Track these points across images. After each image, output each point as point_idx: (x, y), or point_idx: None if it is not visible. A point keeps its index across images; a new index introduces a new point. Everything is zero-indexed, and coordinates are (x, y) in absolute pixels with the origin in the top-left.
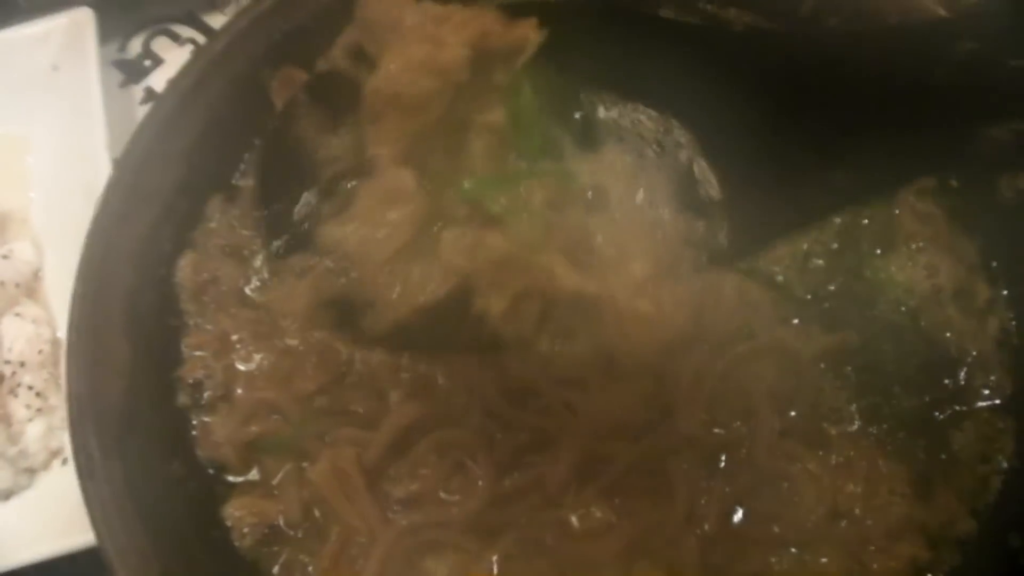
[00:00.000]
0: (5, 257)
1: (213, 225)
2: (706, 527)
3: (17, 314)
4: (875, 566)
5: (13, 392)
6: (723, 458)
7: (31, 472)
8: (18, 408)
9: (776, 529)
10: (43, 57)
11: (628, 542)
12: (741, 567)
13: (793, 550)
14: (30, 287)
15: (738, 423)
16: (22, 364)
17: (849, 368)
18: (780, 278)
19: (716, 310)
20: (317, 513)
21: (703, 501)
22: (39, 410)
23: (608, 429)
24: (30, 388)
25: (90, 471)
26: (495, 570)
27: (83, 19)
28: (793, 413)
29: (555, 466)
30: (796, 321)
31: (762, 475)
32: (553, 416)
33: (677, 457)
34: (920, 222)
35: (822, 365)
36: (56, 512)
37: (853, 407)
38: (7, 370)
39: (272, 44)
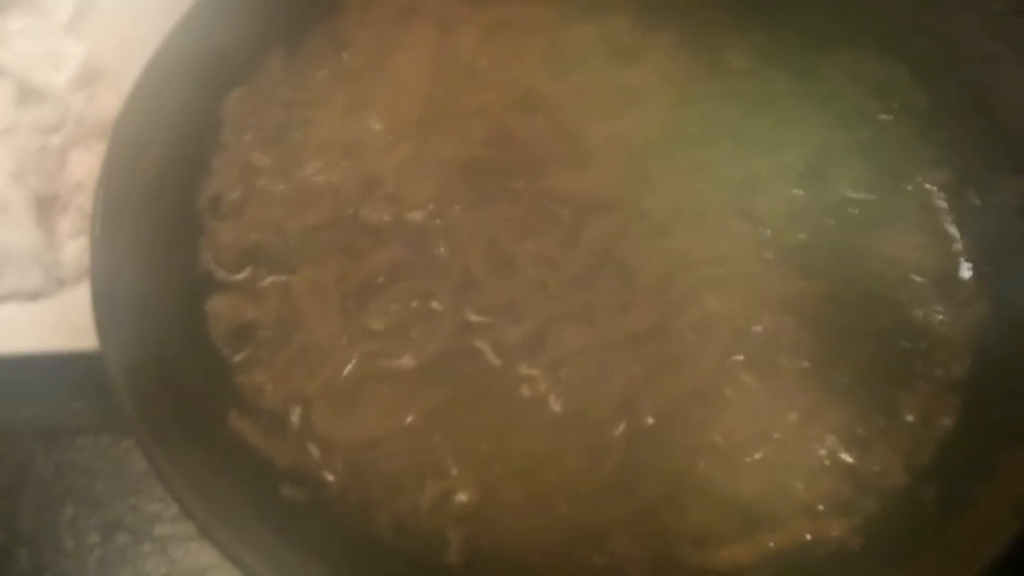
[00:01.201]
0: (91, 99)
1: (272, 72)
2: (637, 421)
3: (87, 148)
4: (793, 492)
5: (64, 210)
6: (669, 363)
7: (61, 283)
8: (64, 223)
9: (705, 438)
10: None
11: (562, 414)
12: (663, 464)
13: (717, 460)
14: (105, 131)
15: (692, 336)
16: (79, 186)
17: (816, 315)
18: (772, 224)
19: (700, 225)
20: (288, 322)
21: (639, 395)
22: (83, 230)
23: (569, 311)
24: (79, 208)
25: (100, 232)
26: (429, 408)
27: None
28: (749, 341)
29: (513, 330)
30: (775, 263)
31: (703, 387)
32: (526, 289)
33: (625, 350)
34: (924, 210)
35: (791, 306)
36: (73, 321)
37: (810, 349)
38: (64, 191)
39: None
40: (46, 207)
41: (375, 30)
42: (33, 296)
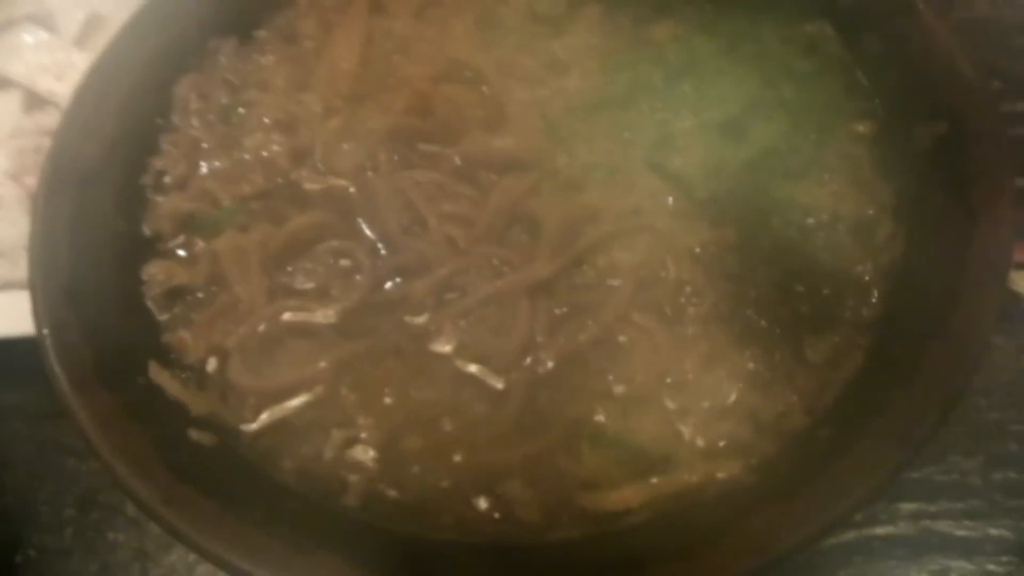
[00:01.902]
0: None
1: (222, 59)
2: (537, 369)
3: None
4: (689, 436)
5: None
6: (572, 312)
7: None
8: None
9: (605, 385)
10: None
11: (463, 364)
12: (562, 411)
13: (616, 406)
14: None
15: (595, 285)
16: None
17: (726, 264)
18: (685, 178)
19: (612, 181)
20: (214, 284)
21: (540, 343)
22: None
23: (477, 264)
24: None
25: (42, 210)
26: (339, 361)
27: None
28: (655, 290)
29: (420, 284)
30: (685, 215)
31: (604, 335)
32: (436, 247)
33: (528, 300)
34: (842, 159)
35: (698, 251)
36: None
37: (717, 296)
38: None
39: None
40: None
41: (318, 18)
42: (23, 285)
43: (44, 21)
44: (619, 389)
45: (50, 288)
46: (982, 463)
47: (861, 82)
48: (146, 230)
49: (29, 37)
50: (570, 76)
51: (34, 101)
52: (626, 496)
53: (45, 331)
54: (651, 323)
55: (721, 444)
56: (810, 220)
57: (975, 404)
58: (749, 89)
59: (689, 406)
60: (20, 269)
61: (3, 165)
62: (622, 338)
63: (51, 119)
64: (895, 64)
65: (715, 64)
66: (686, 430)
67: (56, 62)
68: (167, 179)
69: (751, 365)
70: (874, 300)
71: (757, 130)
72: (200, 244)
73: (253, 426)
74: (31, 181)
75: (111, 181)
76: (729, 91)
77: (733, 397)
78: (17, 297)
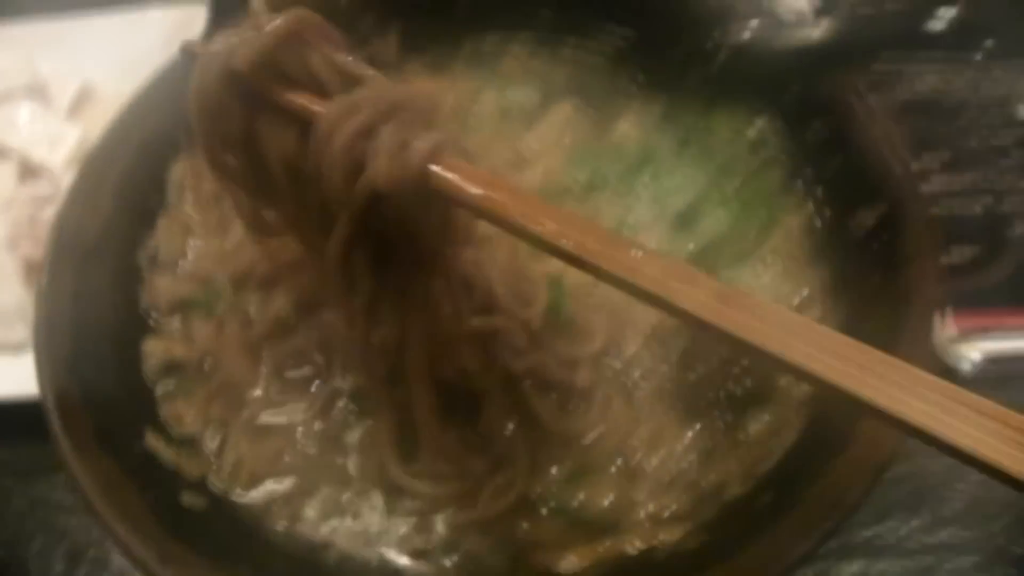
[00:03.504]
0: None
1: None
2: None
3: None
4: (638, 502)
5: None
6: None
7: None
8: None
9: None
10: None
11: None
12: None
13: (572, 474)
14: None
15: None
16: None
17: (674, 341)
18: None
19: None
20: (209, 362)
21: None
22: None
23: None
24: None
25: (47, 283)
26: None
27: (196, 14)
28: (616, 362)
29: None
30: None
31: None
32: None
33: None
34: (785, 243)
35: (655, 332)
36: None
37: (666, 371)
38: None
39: None
40: (34, 270)
41: None
42: (17, 348)
43: (38, 92)
44: (576, 459)
45: (54, 358)
46: (927, 522)
47: (804, 171)
48: (143, 305)
49: (25, 108)
50: (537, 166)
51: (28, 171)
52: (577, 558)
53: (49, 399)
54: (611, 393)
55: (666, 512)
56: None
57: (918, 464)
58: (701, 182)
59: (638, 476)
60: (14, 333)
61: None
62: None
63: (44, 189)
64: (836, 155)
65: (670, 158)
66: (635, 498)
67: (49, 133)
68: (161, 257)
69: (696, 438)
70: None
71: (707, 220)
72: (195, 322)
73: (244, 494)
74: (26, 249)
75: (109, 258)
76: (683, 184)
77: (679, 468)
78: (12, 359)
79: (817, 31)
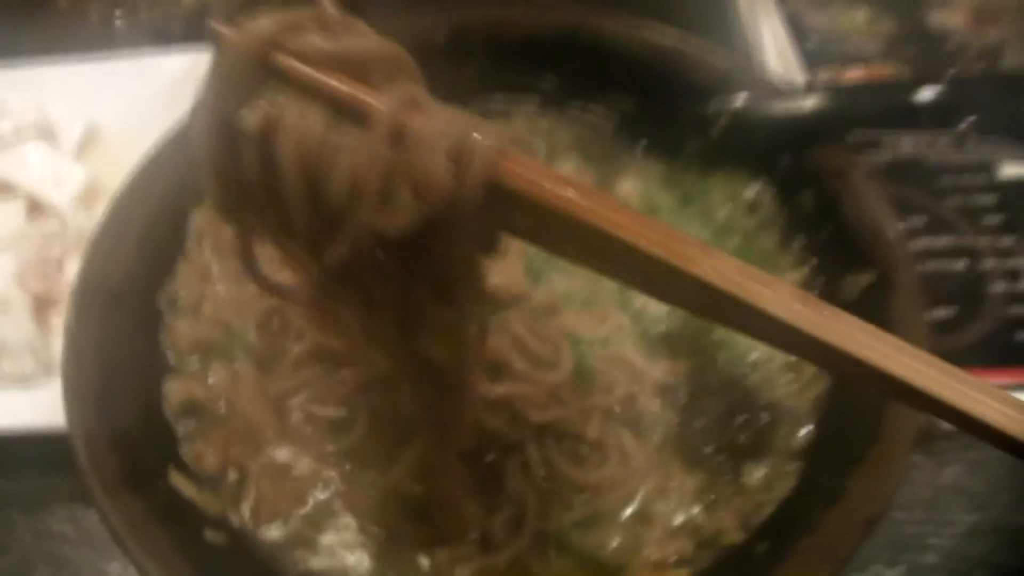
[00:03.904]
0: (89, 215)
1: None
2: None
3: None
4: (644, 549)
5: (58, 308)
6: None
7: (50, 370)
8: (57, 320)
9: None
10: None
11: None
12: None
13: (581, 519)
14: None
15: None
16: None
17: (677, 393)
18: (645, 316)
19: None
20: (227, 404)
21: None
22: None
23: None
24: None
25: (74, 325)
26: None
27: (201, 61)
28: (622, 414)
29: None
30: (646, 349)
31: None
32: None
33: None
34: None
35: (658, 385)
36: (58, 404)
37: (672, 423)
38: (59, 292)
39: None
40: (43, 306)
41: None
42: (25, 381)
43: (46, 132)
44: (587, 505)
45: (81, 399)
46: (903, 572)
47: (797, 236)
48: (164, 348)
49: (34, 149)
50: None
51: (36, 209)
52: None
53: (78, 437)
54: (625, 439)
55: (670, 558)
56: (748, 358)
57: (895, 518)
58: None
59: (644, 523)
60: (22, 365)
61: (10, 269)
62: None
63: (52, 227)
64: (827, 221)
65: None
66: (641, 543)
67: (56, 173)
68: (181, 302)
69: (699, 486)
70: (804, 430)
71: None
72: (215, 364)
73: (264, 532)
74: (34, 285)
75: (132, 303)
76: None
77: (681, 516)
78: (18, 393)
79: (808, 103)
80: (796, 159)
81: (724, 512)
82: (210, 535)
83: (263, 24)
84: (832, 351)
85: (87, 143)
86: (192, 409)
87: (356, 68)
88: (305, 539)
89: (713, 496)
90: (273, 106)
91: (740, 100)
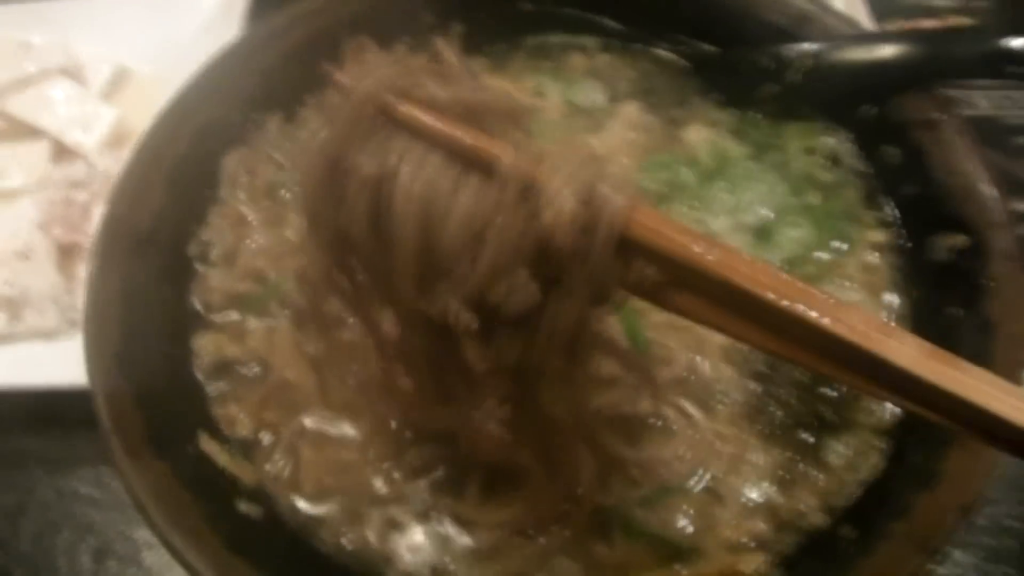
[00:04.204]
0: (117, 160)
1: (268, 135)
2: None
3: None
4: (717, 528)
5: (84, 257)
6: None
7: (75, 324)
8: (83, 270)
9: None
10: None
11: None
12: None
13: (649, 496)
14: None
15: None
16: None
17: (753, 362)
18: None
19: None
20: (263, 362)
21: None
22: None
23: None
24: None
25: (96, 275)
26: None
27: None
28: (689, 384)
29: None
30: None
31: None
32: None
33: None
34: (861, 267)
35: (730, 354)
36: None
37: (744, 394)
38: (85, 241)
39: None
40: (68, 255)
41: None
42: (49, 335)
43: (74, 74)
44: (653, 480)
45: (103, 355)
46: (981, 558)
47: (880, 193)
48: (194, 301)
49: (60, 89)
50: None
51: (62, 152)
52: None
53: (99, 398)
54: (687, 414)
55: (745, 539)
56: None
57: None
58: (778, 194)
59: (717, 500)
60: (46, 319)
61: (32, 216)
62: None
63: (78, 171)
64: (914, 176)
65: (745, 168)
66: (714, 522)
67: (84, 114)
68: (214, 251)
69: (774, 464)
70: (892, 406)
71: (784, 235)
72: (250, 319)
73: (302, 504)
74: (58, 232)
75: (159, 251)
76: (759, 195)
77: (757, 494)
78: (43, 347)
79: (891, 48)
80: (879, 109)
81: (804, 492)
82: (243, 506)
83: (383, 73)
84: (966, 404)
85: (116, 84)
86: (224, 367)
87: (473, 117)
88: (350, 514)
89: (791, 473)
90: (391, 154)
91: (818, 44)
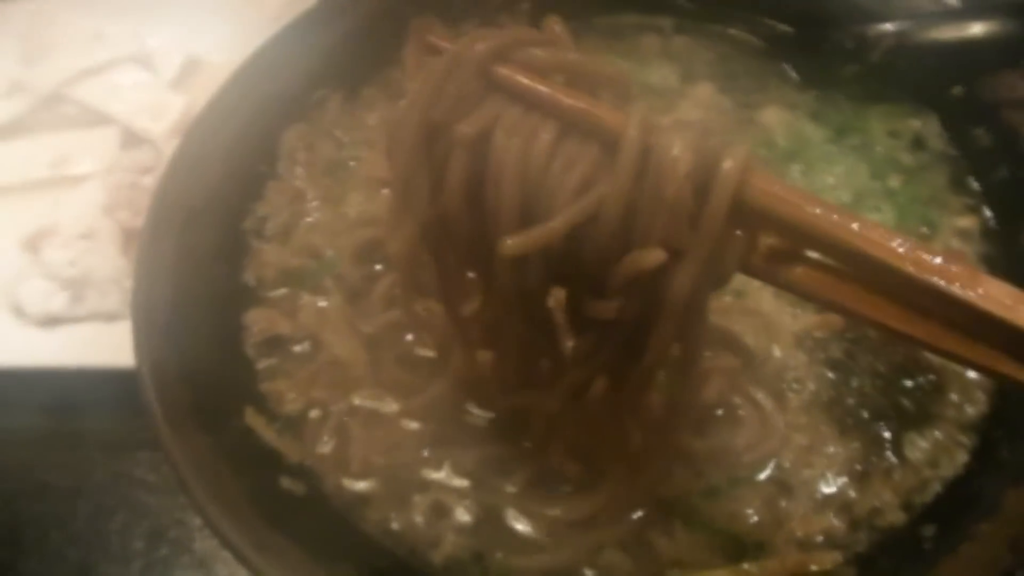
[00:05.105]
0: None
1: (328, 112)
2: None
3: None
4: (786, 524)
5: None
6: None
7: None
8: None
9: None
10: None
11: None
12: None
13: (713, 488)
14: None
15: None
16: None
17: (828, 349)
18: None
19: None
20: (314, 340)
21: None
22: None
23: None
24: None
25: (147, 246)
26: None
27: None
28: (760, 372)
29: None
30: (791, 298)
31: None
32: None
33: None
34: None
35: (803, 341)
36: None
37: (818, 383)
38: None
39: None
40: (132, 239)
41: None
42: (111, 317)
43: (144, 62)
44: (721, 458)
45: (151, 325)
46: None
47: (968, 177)
48: (247, 276)
49: (129, 77)
50: None
51: (130, 139)
52: None
53: (145, 368)
54: (760, 395)
55: (818, 536)
56: None
57: None
58: (857, 178)
59: (787, 492)
60: (109, 301)
61: (98, 199)
62: (726, 414)
63: (146, 157)
64: (1006, 159)
65: (823, 151)
66: (783, 517)
67: (153, 102)
68: (269, 226)
69: (849, 457)
70: (979, 398)
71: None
72: (303, 296)
73: (347, 483)
74: (123, 216)
75: (213, 224)
76: (838, 178)
77: (830, 488)
78: (104, 328)
79: (980, 26)
80: (968, 90)
81: (881, 487)
82: (287, 483)
83: (486, 36)
84: None
85: (187, 73)
86: (274, 343)
87: (575, 83)
88: (397, 495)
89: (867, 467)
90: (492, 118)
91: (902, 22)
